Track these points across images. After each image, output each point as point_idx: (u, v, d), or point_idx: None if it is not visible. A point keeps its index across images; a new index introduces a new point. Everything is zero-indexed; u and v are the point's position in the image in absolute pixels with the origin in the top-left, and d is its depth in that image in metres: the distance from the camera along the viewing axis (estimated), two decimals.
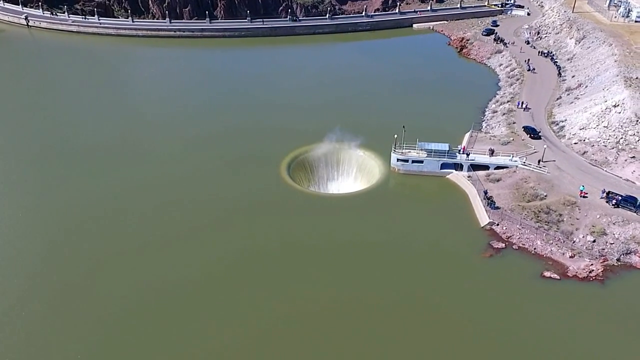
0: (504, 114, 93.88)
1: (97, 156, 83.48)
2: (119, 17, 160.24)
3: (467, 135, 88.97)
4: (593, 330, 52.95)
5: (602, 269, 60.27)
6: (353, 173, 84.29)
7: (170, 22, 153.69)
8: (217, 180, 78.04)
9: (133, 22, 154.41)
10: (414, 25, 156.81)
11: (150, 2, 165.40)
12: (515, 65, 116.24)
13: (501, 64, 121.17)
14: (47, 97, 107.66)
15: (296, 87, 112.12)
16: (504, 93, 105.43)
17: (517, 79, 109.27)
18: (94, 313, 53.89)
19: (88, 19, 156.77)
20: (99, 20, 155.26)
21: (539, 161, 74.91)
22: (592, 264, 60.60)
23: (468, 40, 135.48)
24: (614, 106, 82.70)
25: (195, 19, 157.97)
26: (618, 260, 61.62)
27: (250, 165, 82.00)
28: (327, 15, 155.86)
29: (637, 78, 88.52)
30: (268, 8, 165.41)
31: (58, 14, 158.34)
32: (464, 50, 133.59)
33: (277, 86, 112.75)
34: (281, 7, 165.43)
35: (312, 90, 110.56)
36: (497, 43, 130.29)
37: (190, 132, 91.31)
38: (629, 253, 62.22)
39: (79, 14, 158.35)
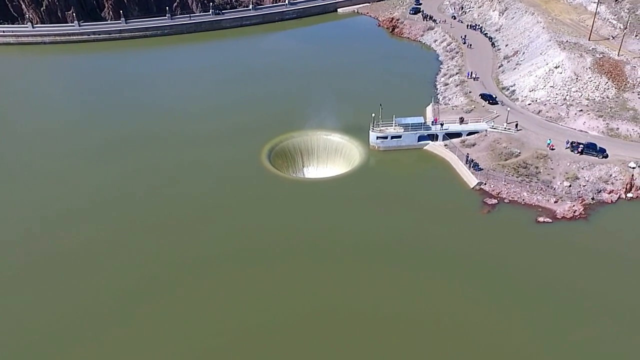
0: (457, 85, 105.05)
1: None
2: None
3: (429, 108, 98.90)
4: (587, 257, 64.04)
5: (583, 208, 72.24)
6: (334, 156, 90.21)
7: (80, 25, 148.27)
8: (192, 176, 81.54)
9: (33, 27, 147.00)
10: (339, 10, 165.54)
11: (23, 6, 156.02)
12: (451, 40, 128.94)
13: (436, 40, 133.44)
14: None
15: (242, 82, 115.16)
16: (449, 66, 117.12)
17: (457, 52, 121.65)
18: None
19: None
20: None
21: (516, 124, 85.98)
22: (574, 205, 72.28)
23: (398, 20, 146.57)
24: (555, 67, 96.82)
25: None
26: (592, 199, 74.12)
27: (229, 159, 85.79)
28: (251, 6, 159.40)
29: (567, 41, 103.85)
30: (161, 5, 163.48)
31: None
32: (396, 30, 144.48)
33: (221, 82, 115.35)
34: (175, 3, 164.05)
35: (261, 83, 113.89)
36: (426, 20, 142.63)
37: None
38: (600, 191, 75.05)
39: None
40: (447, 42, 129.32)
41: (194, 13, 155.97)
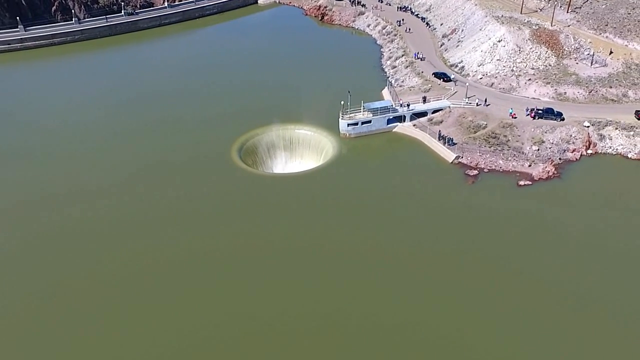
0: (406, 66, 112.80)
1: None
2: None
3: (385, 91, 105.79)
4: (569, 209, 73.57)
5: (554, 168, 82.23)
6: (307, 149, 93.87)
7: None
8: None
9: None
10: (259, 1, 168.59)
11: None
12: (385, 23, 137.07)
13: (369, 25, 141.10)
14: None
15: (178, 81, 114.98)
16: (390, 49, 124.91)
17: (395, 35, 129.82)
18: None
19: None
20: None
21: (485, 99, 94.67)
22: (546, 167, 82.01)
23: (326, 7, 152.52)
24: (498, 41, 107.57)
25: None
26: (560, 159, 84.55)
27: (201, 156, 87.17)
28: (166, 4, 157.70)
29: (503, 16, 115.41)
30: (37, 10, 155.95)
31: None
32: (325, 18, 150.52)
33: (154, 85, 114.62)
34: (54, 7, 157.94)
35: (197, 83, 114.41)
36: (355, 6, 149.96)
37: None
38: (564, 151, 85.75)
39: None
40: (381, 25, 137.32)
41: (78, 17, 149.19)
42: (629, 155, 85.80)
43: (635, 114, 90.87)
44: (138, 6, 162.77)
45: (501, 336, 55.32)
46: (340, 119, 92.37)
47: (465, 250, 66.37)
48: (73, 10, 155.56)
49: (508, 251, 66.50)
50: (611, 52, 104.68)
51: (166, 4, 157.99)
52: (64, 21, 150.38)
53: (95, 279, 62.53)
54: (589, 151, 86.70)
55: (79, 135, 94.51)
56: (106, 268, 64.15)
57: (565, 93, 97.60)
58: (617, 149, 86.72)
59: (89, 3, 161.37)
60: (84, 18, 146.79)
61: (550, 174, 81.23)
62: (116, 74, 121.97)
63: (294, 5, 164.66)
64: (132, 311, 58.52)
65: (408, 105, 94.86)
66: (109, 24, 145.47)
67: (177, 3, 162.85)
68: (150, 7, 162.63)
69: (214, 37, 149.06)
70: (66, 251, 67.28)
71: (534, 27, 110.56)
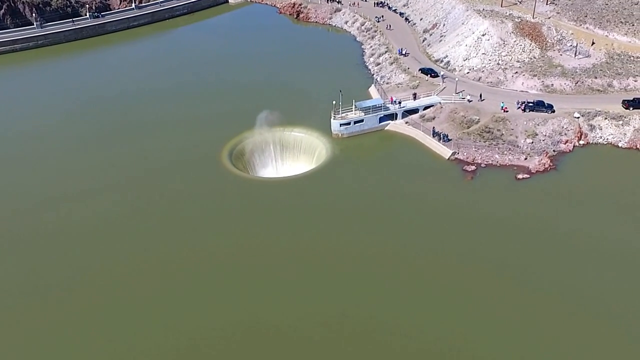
0: (391, 63, 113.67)
1: None
2: None
3: (372, 89, 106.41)
4: (570, 202, 75.36)
5: (550, 160, 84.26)
6: (299, 151, 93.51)
7: None
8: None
9: None
10: (230, 0, 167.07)
11: None
12: (364, 19, 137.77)
13: (347, 21, 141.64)
14: None
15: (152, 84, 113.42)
16: (372, 46, 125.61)
17: (375, 32, 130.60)
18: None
19: None
20: None
21: (480, 95, 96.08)
22: (542, 159, 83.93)
23: (300, 4, 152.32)
24: (482, 35, 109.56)
25: None
26: (554, 151, 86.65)
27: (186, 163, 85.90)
28: (134, 4, 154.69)
29: (484, 10, 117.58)
30: None
31: None
32: (301, 16, 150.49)
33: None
34: (2, 11, 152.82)
35: (174, 84, 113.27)
36: (330, 3, 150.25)
37: None
38: (558, 143, 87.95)
39: None
40: (360, 22, 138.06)
41: (39, 21, 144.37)
42: (620, 144, 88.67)
43: (622, 103, 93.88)
44: (94, 8, 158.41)
45: (503, 338, 55.49)
46: (332, 119, 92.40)
47: (471, 251, 66.75)
48: (33, 15, 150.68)
49: (514, 251, 66.99)
50: (593, 43, 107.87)
51: (133, 5, 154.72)
52: (14, 26, 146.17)
53: (84, 285, 61.69)
54: (581, 142, 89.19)
55: (59, 140, 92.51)
56: (94, 274, 63.17)
57: (552, 85, 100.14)
58: (607, 139, 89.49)
59: (40, 6, 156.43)
60: (38, 22, 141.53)
61: (547, 166, 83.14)
62: (89, 78, 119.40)
63: (266, 4, 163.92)
64: (124, 316, 57.65)
65: (399, 103, 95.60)
66: (74, 27, 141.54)
67: (144, 4, 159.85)
68: (107, 10, 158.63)
69: (186, 38, 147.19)
70: (49, 257, 66.19)
71: (516, 20, 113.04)
